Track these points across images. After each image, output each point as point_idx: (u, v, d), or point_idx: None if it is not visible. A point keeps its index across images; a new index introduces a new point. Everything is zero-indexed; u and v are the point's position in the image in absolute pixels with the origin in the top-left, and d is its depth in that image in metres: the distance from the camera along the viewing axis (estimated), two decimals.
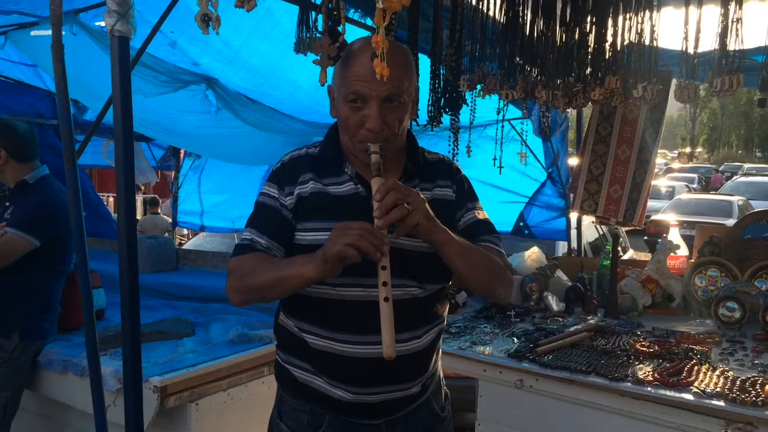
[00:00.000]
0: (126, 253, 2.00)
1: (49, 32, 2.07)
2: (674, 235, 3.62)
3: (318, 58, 1.66)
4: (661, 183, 22.01)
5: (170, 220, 9.93)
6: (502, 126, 3.73)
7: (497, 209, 5.33)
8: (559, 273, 3.46)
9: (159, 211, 10.24)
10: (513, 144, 4.85)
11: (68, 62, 2.13)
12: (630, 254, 7.50)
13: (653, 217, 13.09)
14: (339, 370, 1.66)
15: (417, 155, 1.76)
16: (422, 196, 1.57)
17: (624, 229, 6.20)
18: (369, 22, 3.06)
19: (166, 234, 8.68)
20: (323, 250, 1.49)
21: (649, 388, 2.20)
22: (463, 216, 1.78)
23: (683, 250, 3.55)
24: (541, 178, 5.40)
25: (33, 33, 3.55)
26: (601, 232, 6.85)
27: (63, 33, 2.11)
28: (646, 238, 10.33)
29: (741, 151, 58.25)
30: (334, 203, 1.66)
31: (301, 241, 1.67)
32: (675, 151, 59.44)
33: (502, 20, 2.30)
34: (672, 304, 3.30)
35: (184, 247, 7.28)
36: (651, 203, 15.79)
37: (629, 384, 2.23)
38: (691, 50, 2.09)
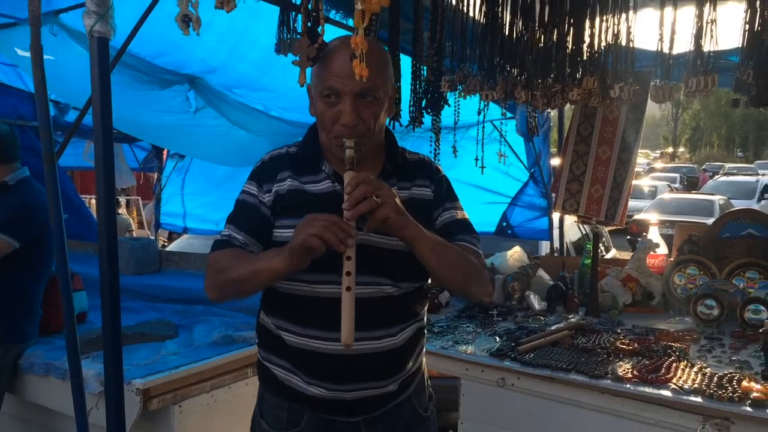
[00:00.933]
0: (106, 255, 2.00)
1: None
2: (654, 234, 3.67)
3: (297, 59, 1.67)
4: (644, 183, 22.18)
5: (131, 219, 10.00)
6: (483, 127, 3.75)
7: (480, 210, 5.36)
8: (541, 272, 3.48)
9: (120, 211, 10.33)
10: (495, 144, 4.87)
11: (49, 62, 2.12)
12: (613, 253, 7.56)
13: (636, 217, 13.19)
14: (314, 368, 1.68)
15: (396, 154, 1.77)
16: (393, 191, 1.59)
17: (607, 228, 6.23)
18: (350, 23, 3.08)
19: (127, 234, 8.70)
20: (290, 242, 1.52)
21: (628, 385, 2.23)
22: (440, 215, 1.80)
23: (663, 249, 3.59)
24: (523, 178, 5.44)
25: (20, 53, 3.53)
26: (584, 232, 6.91)
27: (42, 34, 2.10)
28: (628, 237, 10.39)
29: (722, 150, 58.82)
30: (311, 201, 1.68)
31: (278, 237, 1.69)
32: (657, 151, 59.86)
33: (482, 21, 2.33)
34: (652, 302, 3.34)
35: (167, 249, 7.25)
36: (633, 203, 15.94)
37: (609, 381, 2.26)
38: (666, 51, 2.12)
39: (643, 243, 3.49)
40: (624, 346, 2.58)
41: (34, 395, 2.95)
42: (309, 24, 1.79)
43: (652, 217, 12.25)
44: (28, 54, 3.47)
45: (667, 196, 18.02)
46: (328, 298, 1.63)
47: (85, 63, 1.97)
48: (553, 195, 4.41)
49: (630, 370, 2.33)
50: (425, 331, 1.88)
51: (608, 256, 7.08)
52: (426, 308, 1.85)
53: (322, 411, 1.71)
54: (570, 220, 5.58)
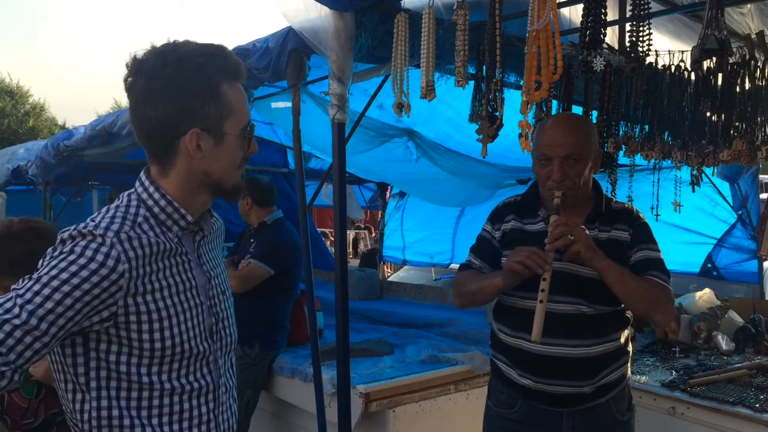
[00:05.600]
0: (340, 284, 2.61)
1: (287, 104, 2.75)
2: None
3: (482, 137, 2.17)
4: None
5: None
6: (659, 179, 3.90)
7: (682, 250, 5.31)
8: (732, 314, 3.55)
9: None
10: (702, 187, 4.85)
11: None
12: None
13: None
14: (523, 363, 2.17)
15: (600, 203, 2.22)
16: (585, 231, 2.02)
17: None
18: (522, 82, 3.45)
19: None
20: (504, 265, 2.07)
21: None
22: (635, 253, 2.16)
23: None
24: (730, 219, 5.32)
25: (273, 105, 4.37)
26: None
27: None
28: None
29: None
30: (528, 237, 2.18)
31: (504, 263, 2.20)
32: None
33: (642, 93, 2.64)
34: None
35: (389, 279, 7.98)
36: None
37: None
38: None
39: None
40: None
41: (282, 393, 3.61)
42: (489, 109, 2.28)
43: None
44: (281, 104, 4.32)
45: None
46: (533, 310, 2.09)
47: (324, 120, 2.60)
48: (759, 238, 4.38)
49: None
50: (628, 354, 2.24)
51: None
52: (624, 333, 2.21)
53: (532, 399, 2.18)
54: None
